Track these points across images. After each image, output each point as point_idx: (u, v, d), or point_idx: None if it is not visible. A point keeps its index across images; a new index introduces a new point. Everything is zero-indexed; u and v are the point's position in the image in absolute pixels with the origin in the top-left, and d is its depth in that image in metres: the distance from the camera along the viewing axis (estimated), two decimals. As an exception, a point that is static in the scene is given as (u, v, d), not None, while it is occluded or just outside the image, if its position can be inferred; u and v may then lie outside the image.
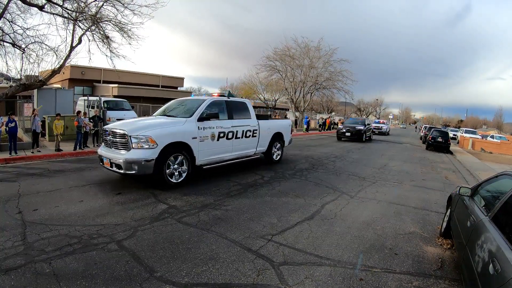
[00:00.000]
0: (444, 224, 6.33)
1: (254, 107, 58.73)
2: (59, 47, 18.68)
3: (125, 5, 17.58)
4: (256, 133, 11.75)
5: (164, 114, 10.33)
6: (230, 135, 10.39)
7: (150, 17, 18.89)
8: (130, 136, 8.15)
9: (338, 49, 44.22)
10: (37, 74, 18.21)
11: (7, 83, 34.73)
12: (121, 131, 8.43)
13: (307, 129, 39.27)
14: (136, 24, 18.69)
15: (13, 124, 12.73)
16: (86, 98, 21.61)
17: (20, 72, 17.24)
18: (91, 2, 17.57)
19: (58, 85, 35.76)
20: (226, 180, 9.81)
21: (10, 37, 16.96)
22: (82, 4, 17.20)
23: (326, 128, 45.98)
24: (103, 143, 9.49)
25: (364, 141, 29.03)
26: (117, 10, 17.80)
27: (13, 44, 17.04)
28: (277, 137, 13.37)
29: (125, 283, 4.00)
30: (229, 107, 10.76)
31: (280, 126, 13.73)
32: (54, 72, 17.82)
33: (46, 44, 17.64)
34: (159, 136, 8.26)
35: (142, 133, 8.15)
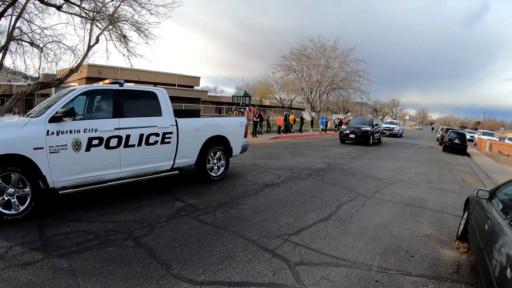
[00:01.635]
0: (461, 227, 6.26)
1: (269, 106, 58.58)
2: (76, 46, 18.93)
3: (142, 5, 17.67)
4: (170, 137, 7.94)
5: (31, 112, 7.14)
6: (113, 142, 6.86)
7: (167, 16, 18.96)
8: None
9: (354, 49, 44.01)
10: (55, 73, 18.42)
11: (25, 82, 35.25)
12: None
13: (324, 130, 39.12)
14: (153, 24, 18.77)
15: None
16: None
17: (38, 70, 17.45)
18: (108, 2, 17.71)
19: (76, 84, 36.16)
20: (243, 180, 9.82)
21: (28, 36, 17.19)
22: (100, 4, 17.35)
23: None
24: None
25: (371, 145, 25.43)
26: (134, 10, 17.92)
27: (31, 43, 17.26)
28: (217, 143, 9.46)
29: (142, 279, 4.04)
30: (119, 100, 7.18)
31: (222, 126, 9.71)
32: (72, 71, 18.01)
33: (63, 43, 17.84)
34: None
35: None
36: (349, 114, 78.18)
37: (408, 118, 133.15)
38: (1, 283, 3.78)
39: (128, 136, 7.09)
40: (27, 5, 16.26)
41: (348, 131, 25.49)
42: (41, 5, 16.63)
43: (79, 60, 18.03)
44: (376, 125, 27.98)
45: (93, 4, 17.17)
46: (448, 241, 6.21)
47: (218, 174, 9.58)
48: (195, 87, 54.14)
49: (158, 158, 7.87)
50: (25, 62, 17.60)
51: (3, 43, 16.14)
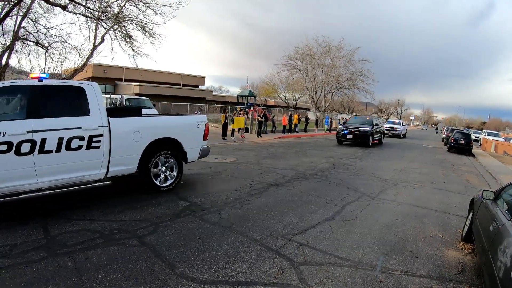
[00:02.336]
0: (466, 228, 6.24)
1: (274, 106, 58.63)
2: (81, 46, 19.02)
3: (147, 4, 17.78)
4: (98, 141, 6.62)
5: None
6: (26, 148, 5.71)
7: (172, 16, 19.15)
8: None
9: (359, 49, 43.97)
10: (60, 72, 18.53)
11: (31, 81, 35.29)
12: None
13: (329, 129, 39.03)
14: (158, 24, 18.88)
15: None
16: (108, 96, 21.89)
17: (43, 70, 17.55)
18: (113, 2, 17.83)
19: (81, 83, 36.22)
20: (248, 179, 9.82)
21: (33, 36, 17.31)
22: (105, 4, 17.43)
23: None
24: None
25: (371, 146, 23.60)
26: (139, 9, 18.04)
27: (37, 43, 17.37)
28: (166, 147, 7.99)
29: (146, 278, 4.05)
30: (36, 98, 6.05)
31: (171, 127, 8.24)
32: (77, 71, 18.12)
33: (69, 43, 17.96)
34: None
35: None
36: (354, 114, 78.07)
37: (413, 118, 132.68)
38: (6, 280, 3.80)
39: (43, 140, 5.89)
40: (33, 5, 16.35)
41: (345, 131, 23.73)
42: (46, 5, 16.73)
43: (85, 59, 18.14)
44: (376, 124, 25.96)
45: (98, 4, 17.26)
46: (453, 242, 6.19)
47: (168, 184, 8.06)
48: (200, 87, 54.37)
49: (85, 166, 6.50)
50: (31, 62, 17.73)
51: (9, 43, 16.25)
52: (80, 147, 6.31)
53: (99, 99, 6.79)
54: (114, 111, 7.36)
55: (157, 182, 7.87)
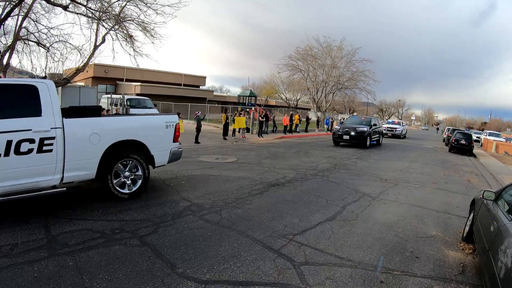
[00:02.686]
0: (467, 229, 6.24)
1: (275, 106, 58.63)
2: (83, 46, 19.14)
3: (148, 4, 17.80)
4: (51, 143, 5.99)
5: None
6: None
7: (173, 16, 19.12)
8: None
9: (360, 49, 43.90)
10: (61, 72, 18.58)
11: (32, 81, 35.32)
12: None
13: (330, 129, 38.98)
14: (159, 24, 18.90)
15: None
16: (109, 96, 21.92)
17: (44, 70, 17.62)
18: (115, 2, 17.85)
19: (82, 83, 36.34)
20: (248, 179, 9.82)
21: (34, 36, 17.36)
22: (106, 4, 17.46)
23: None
24: None
25: (369, 147, 22.60)
26: (140, 9, 18.06)
27: (38, 43, 17.42)
28: (130, 150, 7.33)
29: (147, 278, 4.05)
30: None
31: (135, 128, 7.55)
32: (78, 71, 18.15)
33: (70, 43, 18.02)
34: None
35: None
36: (355, 114, 78.02)
37: (414, 118, 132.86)
38: (7, 280, 3.81)
39: None
40: (34, 5, 16.38)
41: (341, 132, 22.78)
42: (48, 5, 16.77)
43: (86, 59, 18.17)
44: (374, 125, 24.95)
45: (99, 4, 17.30)
46: (454, 242, 6.19)
47: (133, 190, 7.36)
48: (201, 87, 54.40)
49: (37, 171, 5.91)
50: (32, 62, 17.79)
51: (10, 43, 16.28)
52: (30, 150, 5.74)
53: (53, 98, 6.18)
54: (69, 111, 6.69)
55: (118, 188, 7.14)
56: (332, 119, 43.60)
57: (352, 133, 22.22)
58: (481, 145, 38.14)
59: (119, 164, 7.11)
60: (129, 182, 7.32)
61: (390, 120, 48.96)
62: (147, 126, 7.82)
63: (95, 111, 7.37)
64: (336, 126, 25.65)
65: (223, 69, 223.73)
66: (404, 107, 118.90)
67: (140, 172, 7.45)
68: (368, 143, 22.52)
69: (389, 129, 38.49)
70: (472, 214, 6.14)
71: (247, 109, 30.68)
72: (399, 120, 48.56)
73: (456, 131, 29.33)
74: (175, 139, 8.22)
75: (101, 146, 6.71)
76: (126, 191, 7.24)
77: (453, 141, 25.63)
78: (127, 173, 7.28)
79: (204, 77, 55.72)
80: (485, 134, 44.42)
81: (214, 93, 60.31)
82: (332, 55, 43.80)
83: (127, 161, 7.26)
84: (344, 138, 22.46)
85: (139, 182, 7.46)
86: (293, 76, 47.04)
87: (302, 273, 4.45)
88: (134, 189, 7.36)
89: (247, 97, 51.31)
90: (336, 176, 11.38)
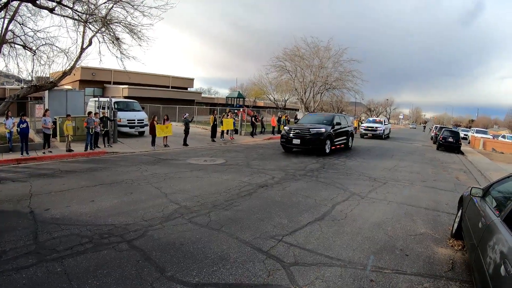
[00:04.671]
0: (455, 225, 6.29)
1: (263, 107, 58.71)
2: (69, 49, 19.00)
3: (135, 6, 17.66)
4: None
5: None
6: None
7: (160, 18, 18.97)
8: None
9: (348, 49, 43.93)
10: (48, 76, 18.41)
11: (18, 85, 35.08)
12: None
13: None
14: (146, 26, 18.79)
15: (24, 125, 12.86)
16: (96, 99, 21.74)
17: (31, 73, 17.48)
18: (101, 4, 17.68)
19: (69, 87, 36.11)
20: (237, 181, 9.79)
21: (21, 39, 17.15)
22: (92, 6, 17.31)
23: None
24: None
25: (329, 153, 17.37)
26: (126, 11, 17.90)
27: (24, 46, 17.22)
28: None
29: (136, 282, 4.02)
30: None
31: None
32: (65, 74, 17.98)
33: (56, 46, 17.82)
34: None
35: None
36: (343, 113, 78.22)
37: (402, 117, 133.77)
38: (-6, 288, 3.76)
39: None
40: (20, 7, 16.21)
41: (291, 135, 17.22)
42: (34, 7, 16.58)
43: (72, 62, 17.99)
44: (338, 124, 19.19)
45: (85, 7, 17.13)
46: (443, 239, 6.22)
47: None
48: (189, 89, 54.23)
49: None
50: (18, 65, 17.62)
51: (-4, 46, 16.06)
52: None
53: None
54: None
55: None
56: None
57: (306, 136, 16.78)
58: (469, 143, 38.52)
59: None
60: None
61: (370, 119, 43.05)
62: None
63: None
64: (285, 127, 19.31)
65: (211, 71, 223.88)
66: (392, 106, 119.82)
67: None
68: (327, 148, 17.31)
69: (369, 128, 34.12)
70: (460, 211, 6.18)
71: (235, 111, 30.63)
72: (383, 119, 43.39)
73: (444, 129, 29.54)
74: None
75: None
76: None
77: (441, 138, 25.79)
78: None
79: (192, 79, 55.54)
80: (472, 132, 44.91)
81: (202, 95, 60.12)
82: (319, 55, 43.85)
83: None
84: (294, 142, 17.03)
85: None
86: (281, 77, 47.00)
87: (292, 273, 4.45)
88: None
89: (235, 99, 51.31)
90: (325, 176, 11.40)
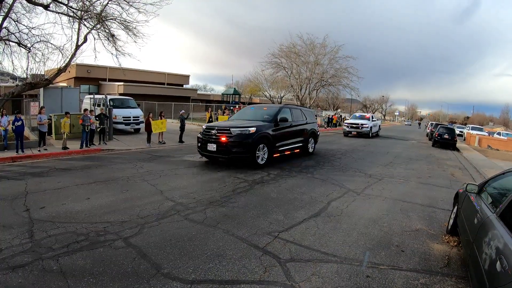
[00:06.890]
0: (451, 221, 6.30)
1: (259, 103, 58.74)
2: (64, 46, 18.86)
3: (130, 3, 17.61)
4: None
5: None
6: None
7: (155, 15, 18.96)
8: None
9: (343, 46, 44.18)
10: (43, 73, 18.33)
11: (13, 82, 34.93)
12: None
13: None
14: (141, 22, 18.88)
15: (19, 123, 12.81)
16: (92, 96, 21.68)
17: (26, 71, 17.39)
18: (96, 1, 17.63)
19: (64, 84, 35.91)
20: (232, 177, 9.79)
21: (15, 36, 17.07)
22: (87, 3, 17.25)
23: (332, 125, 46.26)
24: None
25: (264, 165, 11.87)
26: (122, 8, 17.86)
27: (19, 44, 17.14)
28: None
29: (132, 279, 4.02)
30: None
31: None
32: (60, 71, 17.89)
33: (51, 43, 17.80)
34: None
35: None
36: (339, 110, 78.41)
37: (397, 114, 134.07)
38: (-10, 287, 3.74)
39: None
40: (14, 4, 16.12)
41: (205, 137, 11.89)
42: (28, 4, 16.50)
43: (67, 59, 17.93)
44: (285, 120, 13.35)
45: (80, 3, 17.07)
46: (438, 235, 6.24)
47: None
48: (184, 86, 54.08)
49: None
50: (13, 63, 17.57)
51: (-10, 44, 15.98)
52: None
53: None
54: None
55: None
56: (316, 116, 43.67)
57: (225, 139, 11.32)
58: (464, 139, 38.58)
59: None
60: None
61: (357, 114, 37.71)
62: None
63: None
64: (203, 126, 13.00)
65: (207, 68, 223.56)
66: (387, 103, 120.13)
67: None
68: (262, 156, 11.92)
69: (353, 125, 29.56)
70: (456, 207, 6.19)
71: (231, 107, 30.54)
72: (371, 114, 38.39)
73: (440, 125, 29.60)
74: None
75: None
76: None
77: (436, 135, 25.81)
78: None
79: (188, 76, 55.38)
80: (468, 128, 44.94)
81: (198, 92, 60.00)
82: (315, 52, 43.81)
83: None
84: (209, 149, 11.66)
85: None
86: (276, 74, 46.96)
87: (288, 270, 4.45)
88: None
89: (231, 95, 51.28)
90: (320, 172, 11.38)
